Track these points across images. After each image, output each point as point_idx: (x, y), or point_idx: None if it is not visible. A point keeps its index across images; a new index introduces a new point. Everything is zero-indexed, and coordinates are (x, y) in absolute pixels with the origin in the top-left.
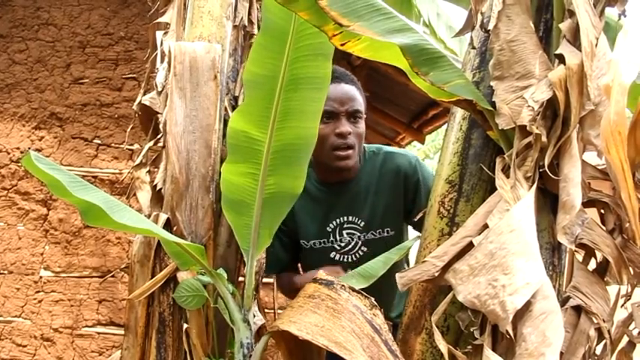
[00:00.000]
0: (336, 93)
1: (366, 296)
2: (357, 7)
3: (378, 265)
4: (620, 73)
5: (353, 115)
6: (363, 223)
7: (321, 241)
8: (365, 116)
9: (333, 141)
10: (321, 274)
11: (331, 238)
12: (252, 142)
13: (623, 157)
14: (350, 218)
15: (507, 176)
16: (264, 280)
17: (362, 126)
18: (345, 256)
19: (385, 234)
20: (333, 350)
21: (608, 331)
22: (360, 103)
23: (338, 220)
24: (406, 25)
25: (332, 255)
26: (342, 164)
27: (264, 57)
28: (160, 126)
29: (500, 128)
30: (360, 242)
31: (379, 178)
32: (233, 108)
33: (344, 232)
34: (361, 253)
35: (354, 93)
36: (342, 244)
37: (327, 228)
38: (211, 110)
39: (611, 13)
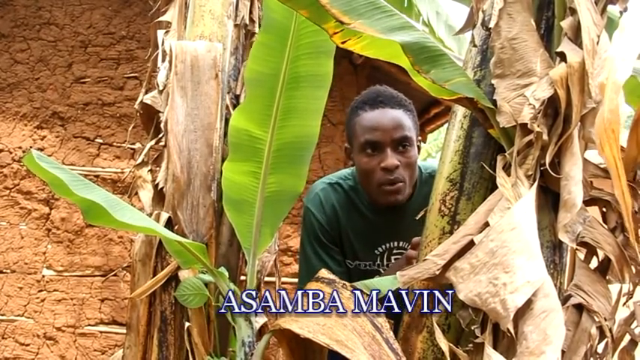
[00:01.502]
0: (380, 121)
1: (367, 295)
2: (358, 4)
3: (385, 283)
4: (614, 70)
5: (401, 144)
6: None
7: (367, 263)
8: (419, 139)
9: (379, 177)
10: (323, 272)
11: (378, 262)
12: (254, 140)
13: (617, 155)
14: (400, 244)
15: (508, 174)
16: (266, 279)
17: (413, 154)
18: None
19: None
20: (334, 348)
21: (610, 330)
22: (408, 128)
23: (388, 245)
24: (407, 22)
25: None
26: (392, 200)
27: (266, 55)
28: (162, 125)
29: (501, 126)
30: None
31: None
32: (234, 106)
33: (392, 257)
34: None
35: (400, 118)
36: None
37: (376, 251)
38: (212, 109)
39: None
